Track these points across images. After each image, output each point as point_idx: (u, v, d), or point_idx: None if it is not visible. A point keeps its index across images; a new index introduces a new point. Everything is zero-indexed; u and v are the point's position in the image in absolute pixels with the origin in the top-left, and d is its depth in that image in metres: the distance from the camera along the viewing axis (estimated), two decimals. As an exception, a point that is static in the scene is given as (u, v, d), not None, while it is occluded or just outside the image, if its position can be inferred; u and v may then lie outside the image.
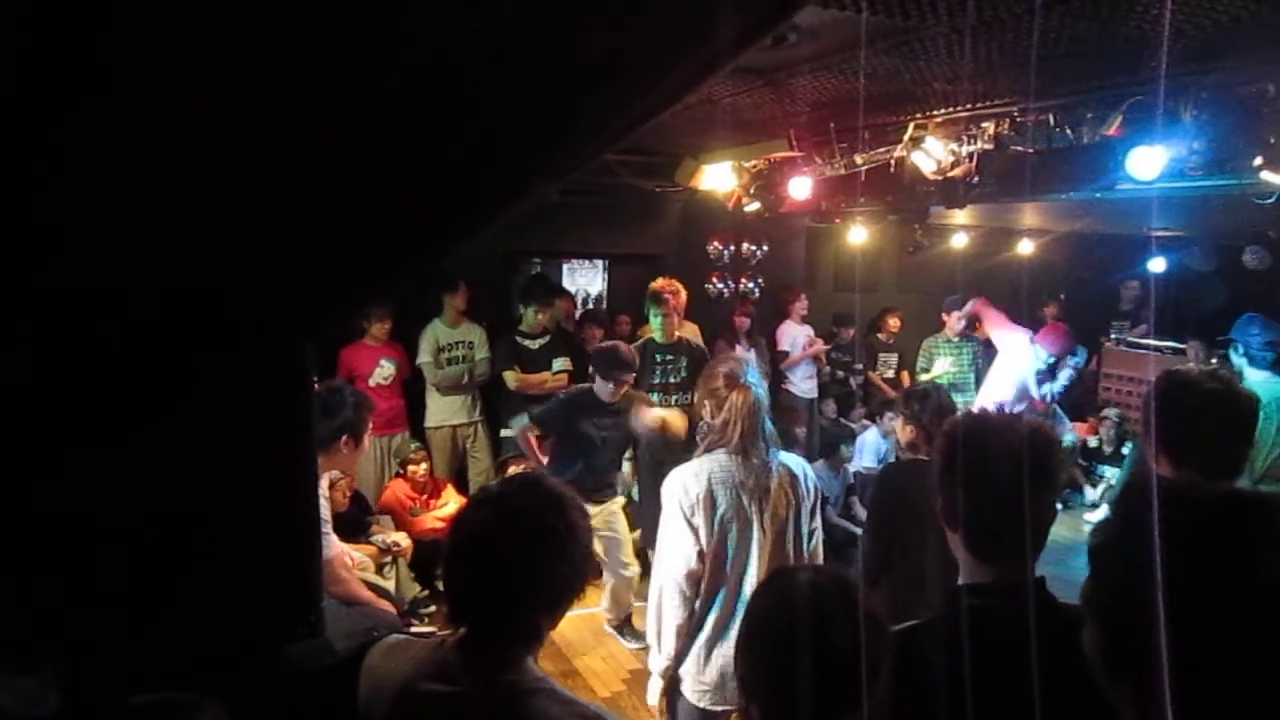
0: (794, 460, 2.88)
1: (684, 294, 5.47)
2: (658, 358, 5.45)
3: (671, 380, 5.42)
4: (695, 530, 2.68)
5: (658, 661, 2.81)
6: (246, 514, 1.83)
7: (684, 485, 2.71)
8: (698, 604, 2.75)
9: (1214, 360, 6.65)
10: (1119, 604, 0.99)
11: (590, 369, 4.91)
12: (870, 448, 7.13)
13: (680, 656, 2.78)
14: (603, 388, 4.75)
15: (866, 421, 7.90)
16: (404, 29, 0.93)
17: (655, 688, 2.87)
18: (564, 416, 4.87)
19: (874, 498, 3.33)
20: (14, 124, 0.91)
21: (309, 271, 1.40)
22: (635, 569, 5.11)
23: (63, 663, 1.52)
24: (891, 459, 6.51)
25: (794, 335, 8.05)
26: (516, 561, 1.50)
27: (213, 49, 0.88)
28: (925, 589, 3.01)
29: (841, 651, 1.29)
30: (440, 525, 5.40)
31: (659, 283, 5.42)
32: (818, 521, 2.88)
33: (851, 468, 7.08)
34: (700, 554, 2.69)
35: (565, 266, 9.05)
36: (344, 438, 3.17)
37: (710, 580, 2.73)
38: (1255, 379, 3.75)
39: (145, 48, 0.86)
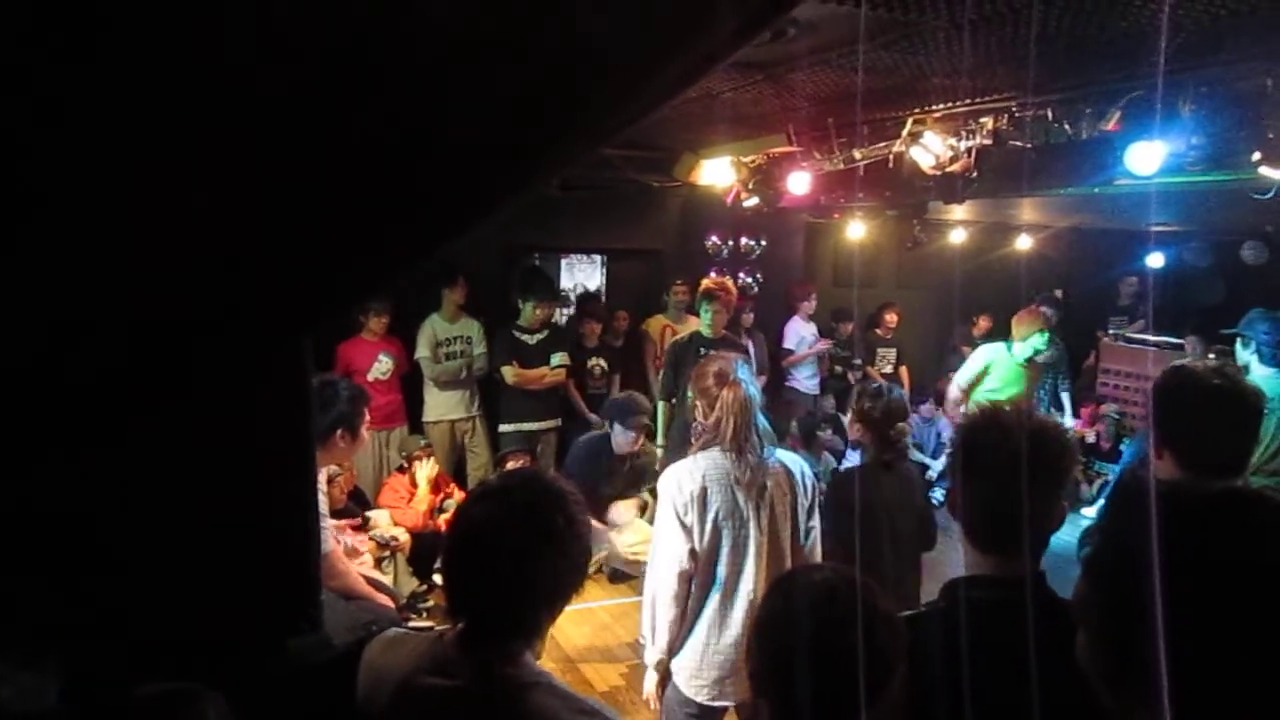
0: (791, 458, 2.89)
1: (735, 293, 5.77)
2: (702, 352, 5.55)
3: None
4: (688, 528, 2.69)
5: (651, 655, 2.83)
6: (246, 509, 1.83)
7: (678, 483, 2.72)
8: (692, 601, 2.76)
9: (1212, 355, 6.66)
10: (1118, 614, 0.96)
11: (608, 422, 5.08)
12: (868, 443, 7.14)
13: (673, 651, 2.79)
14: (623, 437, 4.93)
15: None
16: (402, 24, 0.92)
17: (650, 680, 2.89)
18: (588, 468, 5.02)
19: (827, 503, 3.34)
20: (8, 108, 0.91)
21: (306, 265, 1.40)
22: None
23: (64, 656, 1.52)
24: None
25: (800, 333, 8.06)
26: (516, 556, 1.50)
27: (211, 43, 0.88)
28: (890, 588, 3.03)
29: (854, 651, 1.29)
30: (441, 521, 5.41)
31: (711, 280, 5.73)
32: (815, 519, 2.88)
33: (848, 463, 7.09)
34: (692, 551, 2.70)
35: (564, 261, 9.05)
36: (339, 431, 3.16)
37: (705, 577, 2.74)
38: (1261, 374, 3.76)
39: (145, 38, 0.86)
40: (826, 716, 1.31)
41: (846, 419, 8.00)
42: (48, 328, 1.30)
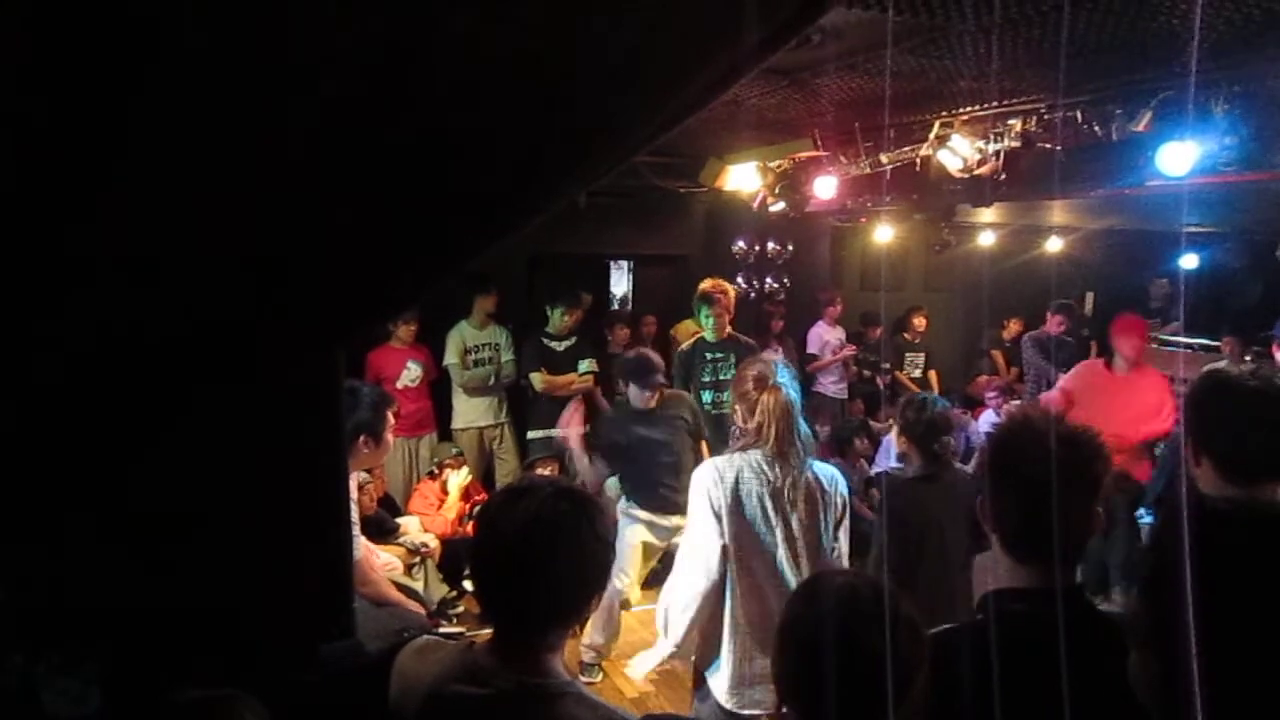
0: (825, 471, 2.84)
1: (733, 293, 5.58)
2: (708, 355, 5.52)
3: (722, 377, 5.47)
4: (720, 522, 2.67)
5: (664, 646, 2.85)
6: (279, 516, 1.86)
7: (714, 477, 2.70)
8: (719, 604, 2.74)
9: (1248, 358, 6.55)
10: (1173, 634, 0.93)
11: (621, 381, 4.87)
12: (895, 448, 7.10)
13: (689, 650, 2.81)
14: (638, 395, 4.73)
15: (892, 422, 7.85)
16: (434, 39, 0.94)
17: (649, 662, 2.90)
18: (617, 426, 4.89)
19: (887, 507, 3.32)
20: (54, 146, 0.93)
21: (341, 278, 1.42)
22: None
23: (103, 663, 1.55)
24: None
25: (823, 337, 8.03)
26: (543, 560, 1.50)
27: (248, 67, 0.90)
28: (943, 595, 3.01)
29: (878, 656, 1.29)
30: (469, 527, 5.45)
31: (708, 283, 5.53)
32: (842, 538, 2.84)
33: (878, 468, 7.04)
34: (724, 548, 2.68)
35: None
36: (362, 437, 3.15)
37: (733, 580, 2.72)
38: None
39: (179, 71, 0.88)
40: None
41: (877, 425, 8.01)
42: (90, 336, 1.33)
